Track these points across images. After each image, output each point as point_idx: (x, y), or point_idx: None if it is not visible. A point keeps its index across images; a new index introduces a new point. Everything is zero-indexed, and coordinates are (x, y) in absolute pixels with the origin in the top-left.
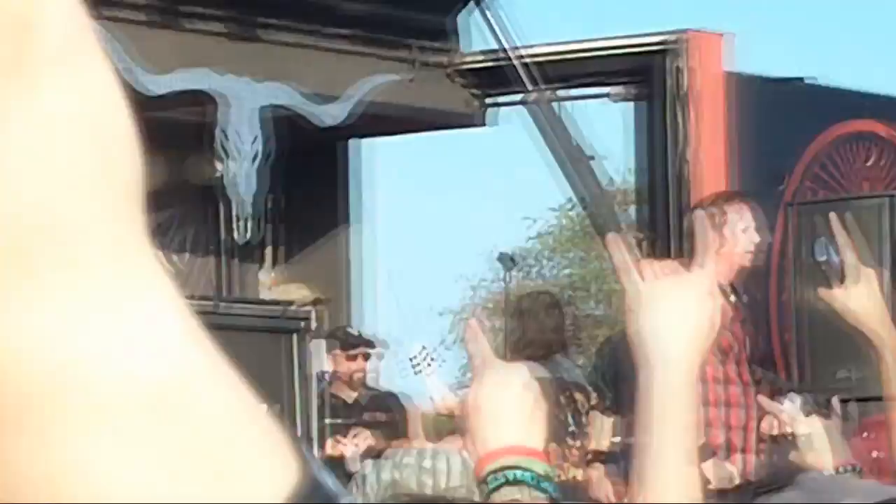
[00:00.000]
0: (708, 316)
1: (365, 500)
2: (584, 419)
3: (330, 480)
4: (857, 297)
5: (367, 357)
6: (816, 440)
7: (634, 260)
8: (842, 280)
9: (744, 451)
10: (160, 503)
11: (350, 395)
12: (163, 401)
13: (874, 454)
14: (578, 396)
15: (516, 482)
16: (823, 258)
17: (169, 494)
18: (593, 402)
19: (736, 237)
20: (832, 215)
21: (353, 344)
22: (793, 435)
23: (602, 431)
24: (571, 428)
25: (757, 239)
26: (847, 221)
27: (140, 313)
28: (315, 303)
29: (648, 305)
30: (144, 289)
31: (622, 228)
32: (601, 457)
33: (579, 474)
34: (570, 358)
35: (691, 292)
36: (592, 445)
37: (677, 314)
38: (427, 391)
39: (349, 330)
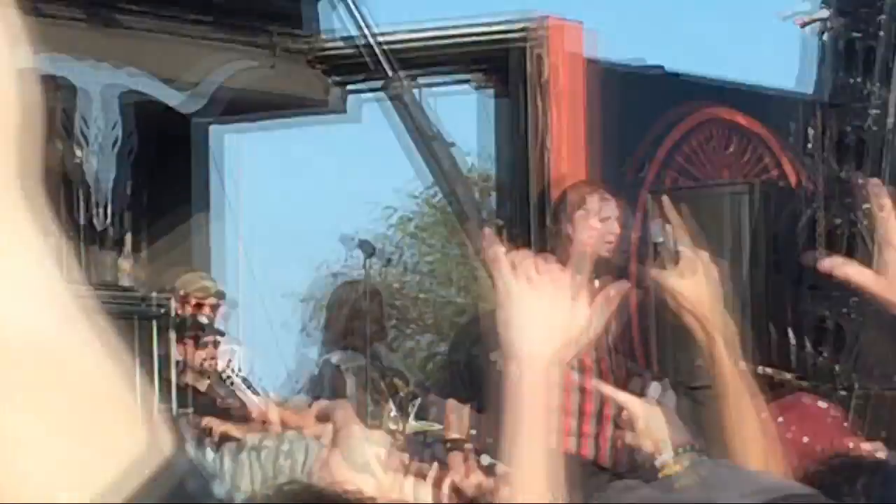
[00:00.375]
0: (576, 319)
1: (225, 482)
2: (404, 404)
3: (200, 457)
4: (689, 282)
5: (216, 345)
6: (653, 423)
7: (507, 253)
8: (676, 263)
9: (597, 437)
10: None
11: (202, 384)
12: (33, 356)
13: (789, 436)
14: (398, 382)
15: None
16: (660, 241)
17: (35, 447)
18: (412, 388)
19: (596, 227)
20: (664, 199)
21: (201, 332)
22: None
23: (461, 419)
24: (393, 413)
25: (616, 230)
26: (707, 208)
27: (13, 275)
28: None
29: (517, 301)
30: (21, 255)
31: (483, 216)
32: (460, 444)
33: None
34: (388, 346)
35: (563, 294)
36: (452, 433)
37: (544, 314)
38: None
39: (199, 318)
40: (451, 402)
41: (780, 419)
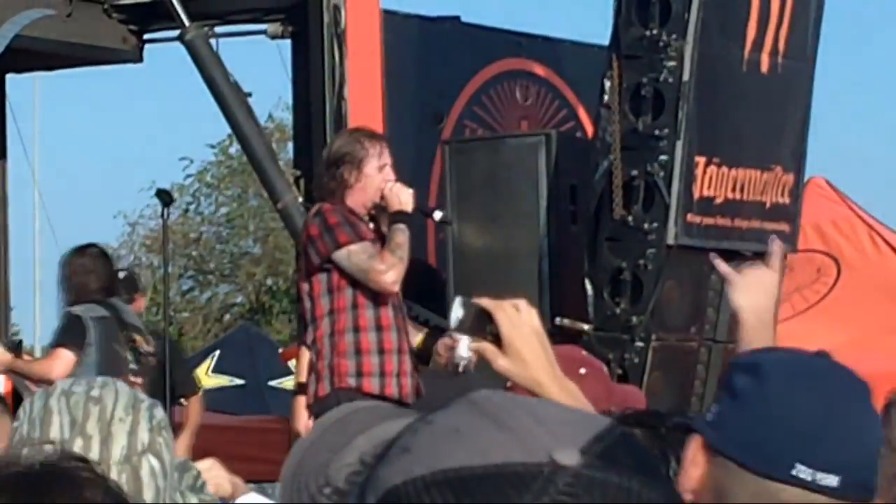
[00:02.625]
0: None
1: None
2: (143, 359)
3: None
4: (517, 364)
5: None
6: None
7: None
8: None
9: (399, 374)
10: None
11: None
12: None
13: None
14: (138, 338)
15: None
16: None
17: None
18: (151, 345)
19: (372, 174)
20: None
21: None
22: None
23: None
24: (132, 366)
25: (391, 177)
26: (504, 159)
27: None
28: None
29: None
30: None
31: (280, 166)
32: (302, 388)
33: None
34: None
35: None
36: (301, 378)
37: None
38: None
39: None
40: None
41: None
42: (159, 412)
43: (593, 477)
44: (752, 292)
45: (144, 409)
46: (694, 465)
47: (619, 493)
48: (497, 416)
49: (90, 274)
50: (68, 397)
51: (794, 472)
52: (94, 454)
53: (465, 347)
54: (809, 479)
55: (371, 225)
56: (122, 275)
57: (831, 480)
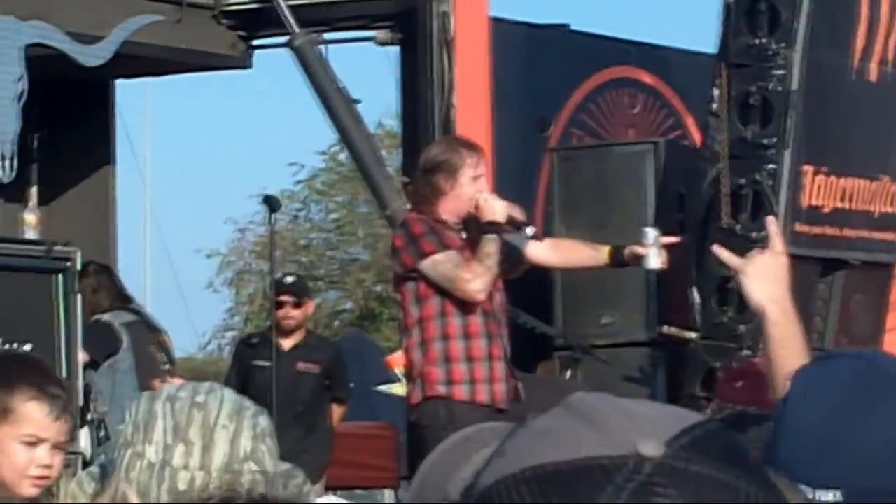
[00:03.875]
0: None
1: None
2: (171, 357)
3: None
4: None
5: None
6: None
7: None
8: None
9: (490, 381)
10: None
11: None
12: None
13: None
14: (165, 339)
15: None
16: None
17: None
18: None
19: (467, 183)
20: None
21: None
22: None
23: None
24: (165, 366)
25: (485, 188)
26: (612, 167)
27: None
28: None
29: None
30: None
31: (388, 173)
32: None
33: None
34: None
35: None
36: None
37: None
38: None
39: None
40: None
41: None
42: (264, 420)
43: (677, 466)
44: (767, 282)
45: (249, 417)
46: None
47: (705, 482)
48: (588, 414)
49: (99, 291)
50: (173, 402)
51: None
52: (195, 460)
53: (654, 259)
54: (809, 498)
55: (463, 234)
56: (290, 279)
57: (829, 496)
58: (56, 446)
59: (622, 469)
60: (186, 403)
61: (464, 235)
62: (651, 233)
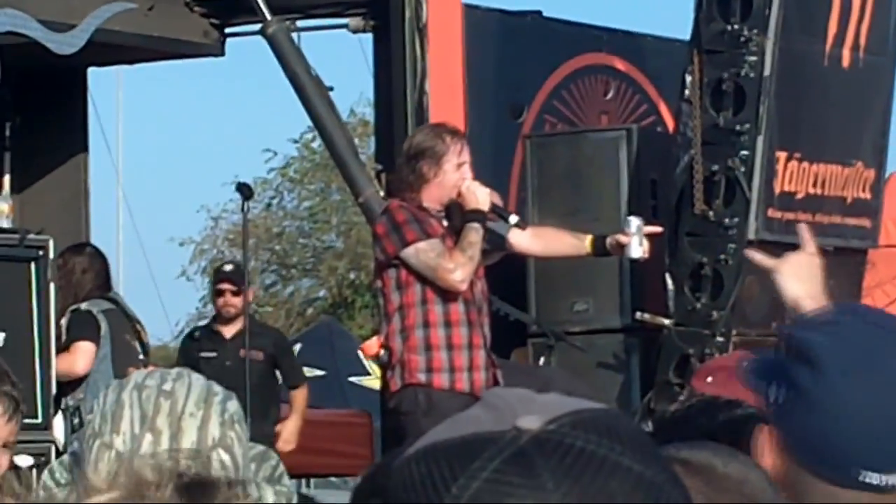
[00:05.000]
0: None
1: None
2: (146, 348)
3: None
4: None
5: None
6: None
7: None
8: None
9: (470, 369)
10: None
11: None
12: None
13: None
14: (140, 329)
15: None
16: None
17: None
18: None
19: (450, 170)
20: None
21: None
22: None
23: None
24: (141, 356)
25: (469, 175)
26: (585, 154)
27: None
28: None
29: None
30: None
31: (362, 160)
32: None
33: None
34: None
35: None
36: None
37: None
38: None
39: None
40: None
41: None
42: (233, 405)
43: (553, 439)
44: (803, 278)
45: (217, 403)
46: (762, 457)
47: (583, 455)
48: (491, 402)
49: (88, 272)
50: (140, 391)
51: (862, 479)
52: (163, 449)
53: (636, 247)
54: (880, 482)
55: (445, 222)
56: (229, 268)
57: None
58: (5, 445)
59: (500, 440)
60: (154, 392)
61: (445, 223)
62: (634, 221)
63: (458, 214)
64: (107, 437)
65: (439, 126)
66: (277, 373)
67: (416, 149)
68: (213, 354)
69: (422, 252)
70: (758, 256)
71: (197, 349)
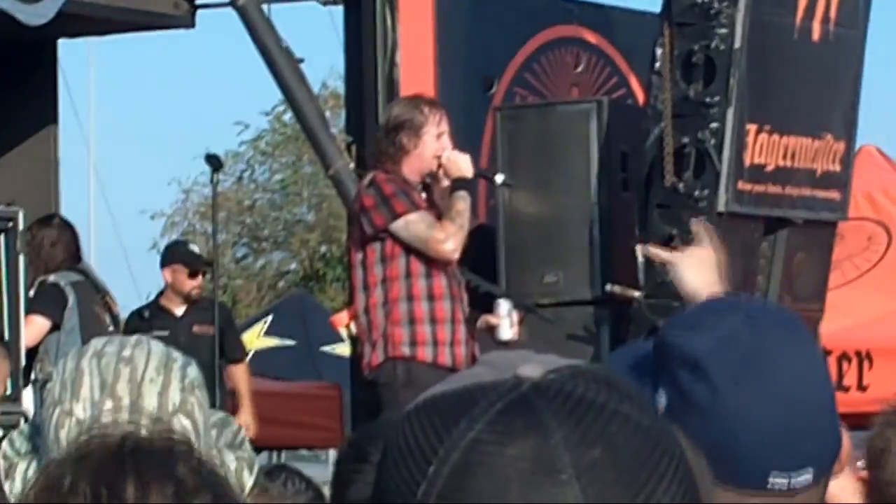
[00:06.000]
0: None
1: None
2: (117, 320)
3: None
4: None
5: None
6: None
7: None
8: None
9: (452, 343)
10: None
11: None
12: None
13: None
14: (110, 299)
15: None
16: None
17: None
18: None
19: (430, 141)
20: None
21: None
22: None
23: None
24: (111, 328)
25: (449, 146)
26: (556, 126)
27: None
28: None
29: None
30: None
31: (332, 133)
32: None
33: None
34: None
35: None
36: None
37: None
38: None
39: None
40: None
41: None
42: (193, 371)
43: (554, 386)
44: (701, 270)
45: (177, 369)
46: None
47: (583, 402)
48: (490, 360)
49: (57, 244)
50: (100, 358)
51: (770, 482)
52: (123, 416)
53: (507, 330)
54: (786, 482)
55: (424, 195)
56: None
57: (807, 475)
58: None
59: (501, 387)
60: (113, 359)
61: (424, 196)
62: (504, 305)
63: (437, 187)
64: (67, 404)
65: (417, 97)
66: None
67: (394, 121)
68: (166, 333)
69: (412, 224)
70: (653, 250)
71: (147, 328)
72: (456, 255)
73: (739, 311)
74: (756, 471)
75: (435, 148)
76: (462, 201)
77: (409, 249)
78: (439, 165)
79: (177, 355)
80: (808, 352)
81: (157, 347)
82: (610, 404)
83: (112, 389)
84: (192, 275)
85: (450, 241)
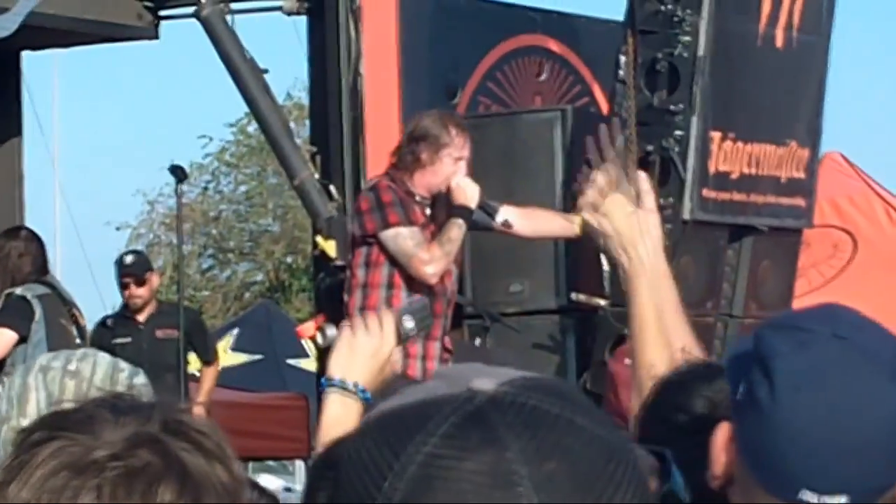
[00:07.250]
0: None
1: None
2: (84, 333)
3: None
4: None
5: None
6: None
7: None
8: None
9: (424, 358)
10: None
11: None
12: None
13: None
14: (76, 313)
15: None
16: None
17: None
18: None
19: (448, 162)
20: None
21: None
22: None
23: None
24: (77, 340)
25: (463, 171)
26: (520, 135)
27: None
28: None
29: None
30: None
31: (297, 143)
32: None
33: None
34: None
35: None
36: None
37: None
38: None
39: None
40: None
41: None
42: (140, 380)
43: (508, 399)
44: (621, 218)
45: (123, 379)
46: (722, 452)
47: (537, 413)
48: (444, 374)
49: (24, 256)
50: (45, 373)
51: (800, 497)
52: None
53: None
54: (816, 502)
55: (428, 210)
56: (129, 259)
57: (841, 500)
58: None
59: (455, 400)
60: (59, 373)
61: (428, 212)
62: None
63: (443, 208)
64: (14, 420)
65: (449, 115)
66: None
67: (420, 131)
68: (128, 340)
69: (401, 238)
70: (594, 220)
71: (111, 336)
72: (434, 280)
73: (833, 324)
74: (789, 482)
75: (451, 171)
76: (457, 230)
77: (395, 260)
78: (448, 189)
79: (124, 366)
80: (880, 387)
81: (104, 359)
82: (564, 415)
83: (58, 404)
84: (138, 283)
85: (433, 264)
